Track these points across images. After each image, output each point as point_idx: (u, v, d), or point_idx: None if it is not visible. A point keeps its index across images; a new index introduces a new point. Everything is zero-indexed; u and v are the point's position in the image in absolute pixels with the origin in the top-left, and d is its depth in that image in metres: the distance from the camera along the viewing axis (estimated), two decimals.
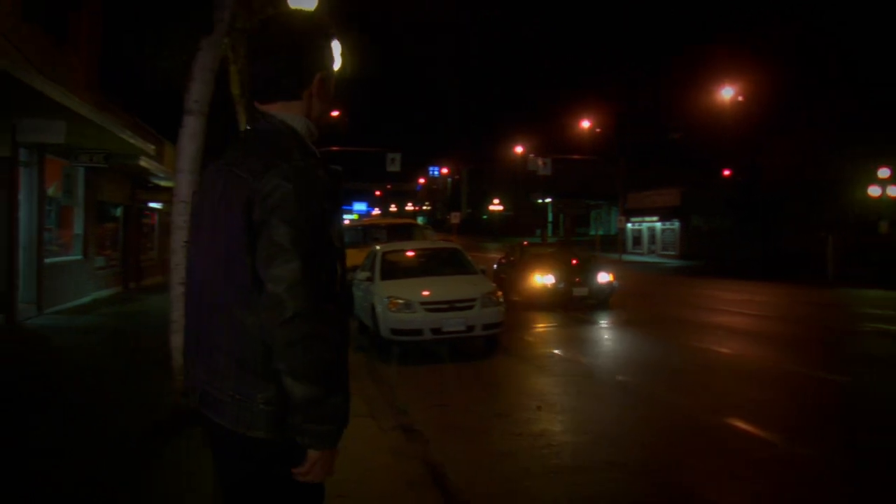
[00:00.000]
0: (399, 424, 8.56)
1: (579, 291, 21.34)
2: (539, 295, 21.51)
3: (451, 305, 13.43)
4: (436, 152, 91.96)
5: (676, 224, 53.84)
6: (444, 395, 10.74)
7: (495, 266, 26.62)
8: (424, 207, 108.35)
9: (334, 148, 45.75)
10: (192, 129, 8.34)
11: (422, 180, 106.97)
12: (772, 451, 7.64)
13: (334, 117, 44.33)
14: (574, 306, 20.82)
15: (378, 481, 6.44)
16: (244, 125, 17.24)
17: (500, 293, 14.08)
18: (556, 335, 16.76)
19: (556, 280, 21.47)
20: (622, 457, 7.46)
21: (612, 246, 55.45)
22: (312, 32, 2.77)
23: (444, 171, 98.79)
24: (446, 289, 13.84)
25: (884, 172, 33.27)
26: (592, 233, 72.07)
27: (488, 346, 13.89)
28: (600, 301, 21.54)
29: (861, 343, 15.55)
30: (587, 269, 22.42)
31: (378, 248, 16.08)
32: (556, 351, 14.35)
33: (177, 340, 8.31)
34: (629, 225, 57.46)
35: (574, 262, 23.34)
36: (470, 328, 13.35)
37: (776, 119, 42.36)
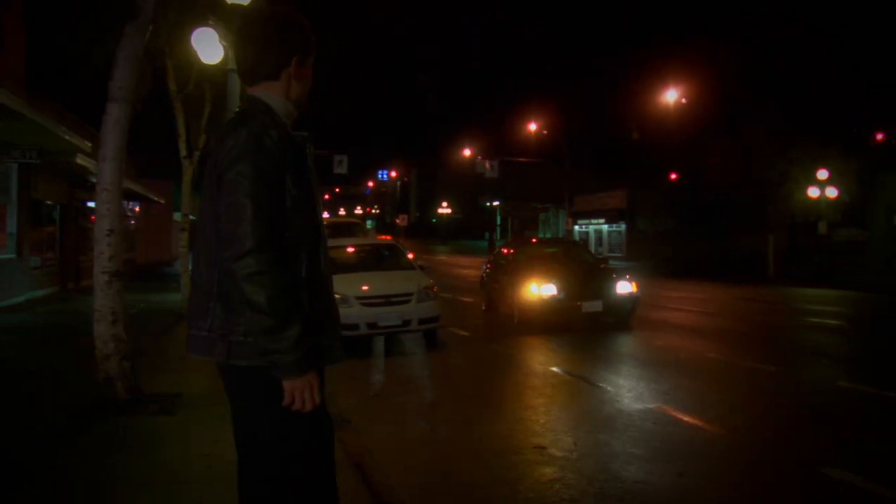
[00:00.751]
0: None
1: (591, 306, 15.79)
2: (536, 310, 16.00)
3: (388, 300, 13.43)
4: (385, 155, 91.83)
5: (623, 226, 54.28)
6: (377, 386, 10.76)
7: (483, 273, 20.96)
8: (373, 211, 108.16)
9: None
10: (115, 117, 8.27)
11: (371, 183, 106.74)
12: (692, 433, 7.83)
13: None
14: (585, 325, 15.82)
15: None
16: (182, 120, 17.25)
17: (436, 288, 14.11)
18: (494, 330, 16.82)
19: (559, 290, 15.95)
20: (547, 441, 7.58)
21: None
22: (287, 19, 3.14)
23: (394, 174, 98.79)
24: (383, 284, 13.84)
25: (822, 174, 33.86)
26: (541, 235, 72.42)
27: (425, 340, 13.93)
28: (620, 319, 16.12)
29: (791, 336, 15.92)
30: (601, 277, 16.86)
31: None
32: (493, 346, 14.41)
33: (100, 329, 8.24)
34: (577, 227, 57.82)
35: (584, 267, 17.98)
36: (406, 323, 13.36)
37: (720, 121, 42.99)
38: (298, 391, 2.88)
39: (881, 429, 8.10)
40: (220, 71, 13.63)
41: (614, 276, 16.94)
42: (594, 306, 15.81)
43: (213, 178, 2.95)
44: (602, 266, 18.37)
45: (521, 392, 10.21)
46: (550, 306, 15.83)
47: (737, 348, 13.41)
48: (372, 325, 13.30)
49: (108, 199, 8.24)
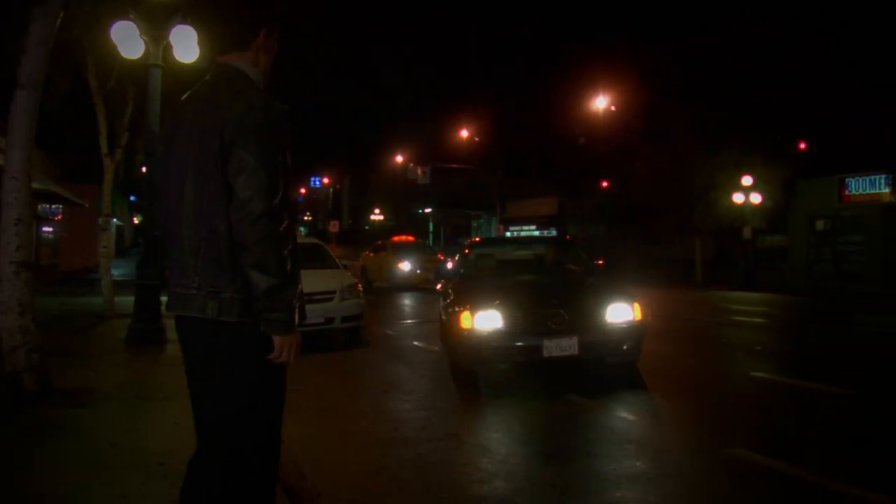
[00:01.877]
0: None
1: (558, 347, 9.36)
2: (467, 353, 9.96)
3: (310, 298, 13.34)
4: (318, 162, 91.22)
5: (554, 233, 54.77)
6: (297, 381, 10.61)
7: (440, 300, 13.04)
8: (306, 218, 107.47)
9: None
10: (23, 104, 8.13)
11: (303, 190, 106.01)
12: (594, 414, 8.05)
13: None
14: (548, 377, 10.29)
15: None
16: (103, 117, 16.93)
17: (359, 286, 14.07)
18: (419, 329, 16.83)
19: (507, 322, 9.63)
20: (457, 429, 7.72)
21: None
22: None
23: (326, 181, 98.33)
24: (306, 281, 13.55)
25: (747, 180, 34.50)
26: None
27: (348, 338, 13.86)
28: (616, 359, 10.27)
29: (711, 332, 16.28)
30: (584, 297, 10.18)
31: None
32: (416, 343, 14.42)
33: (6, 321, 8.07)
34: (508, 233, 58.16)
35: (560, 281, 11.55)
36: (329, 320, 13.31)
37: (648, 129, 43.59)
38: (287, 347, 3.23)
39: (785, 412, 8.43)
40: (141, 67, 13.43)
41: (606, 294, 10.17)
42: (564, 347, 9.39)
43: (208, 139, 3.10)
44: (589, 281, 11.22)
45: (441, 386, 10.22)
46: (490, 346, 9.62)
47: (662, 344, 13.62)
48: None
49: (15, 188, 8.08)
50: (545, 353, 9.38)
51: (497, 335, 9.54)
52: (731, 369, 11.51)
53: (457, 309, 10.03)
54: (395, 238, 34.48)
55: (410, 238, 35.75)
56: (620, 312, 9.75)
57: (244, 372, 3.26)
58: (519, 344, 9.50)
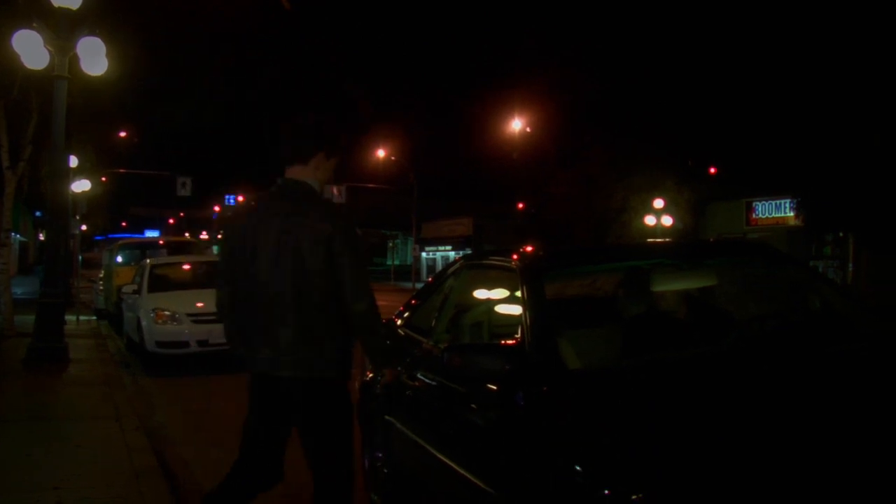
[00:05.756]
0: (143, 426, 8.21)
1: None
2: None
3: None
4: (233, 179, 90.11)
5: (469, 252, 55.01)
6: (201, 402, 10.44)
7: None
8: (219, 236, 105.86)
9: (121, 170, 43.95)
10: None
11: (217, 208, 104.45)
12: None
13: (121, 137, 42.74)
14: None
15: (104, 472, 6.19)
16: (4, 128, 16.36)
17: None
18: None
19: None
20: None
21: (408, 276, 55.93)
22: (324, 123, 4.21)
23: (241, 198, 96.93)
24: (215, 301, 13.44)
25: (659, 203, 35.16)
26: (389, 263, 72.52)
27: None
28: None
29: None
30: None
31: (147, 261, 15.55)
32: None
33: None
34: (424, 254, 58.23)
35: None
36: None
37: (563, 151, 44.07)
38: (391, 376, 4.61)
39: None
40: (46, 78, 13.00)
41: None
42: None
43: (321, 240, 3.82)
44: None
45: None
46: None
47: None
48: (203, 343, 12.93)
49: None
50: None
51: None
52: None
53: None
54: None
55: None
56: None
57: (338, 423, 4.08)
58: None
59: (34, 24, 12.14)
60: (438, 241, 58.19)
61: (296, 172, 4.07)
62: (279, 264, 3.86)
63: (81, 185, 24.57)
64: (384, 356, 4.25)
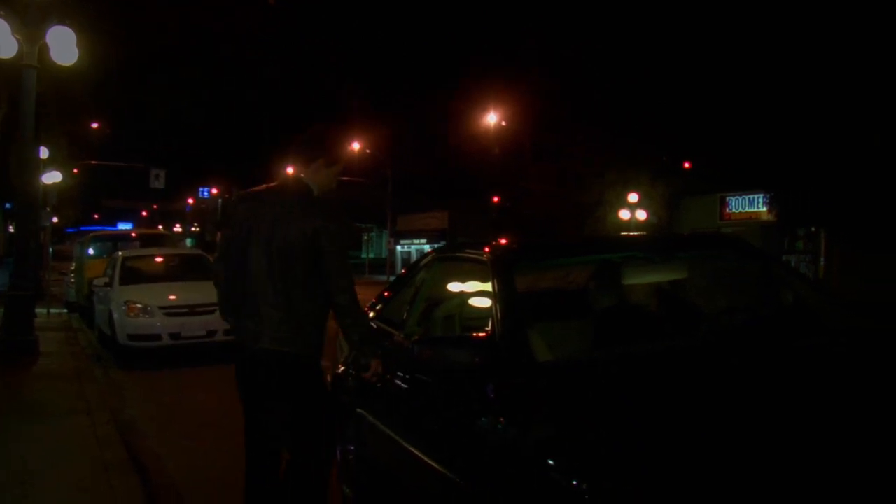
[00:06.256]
0: (115, 419, 8.15)
1: None
2: None
3: (192, 310, 13.02)
4: (207, 172, 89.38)
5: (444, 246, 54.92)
6: (174, 395, 10.37)
7: None
8: (193, 229, 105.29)
9: (93, 162, 43.60)
10: None
11: (191, 200, 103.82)
12: None
13: (94, 128, 42.37)
14: None
15: (74, 466, 6.15)
16: None
17: None
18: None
19: None
20: None
21: (383, 269, 55.87)
22: (329, 133, 4.67)
23: (215, 191, 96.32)
24: (187, 293, 13.38)
25: (633, 197, 35.31)
26: (364, 256, 72.41)
27: (230, 351, 13.43)
28: None
29: None
30: None
31: (119, 253, 15.42)
32: None
33: None
34: (399, 247, 58.18)
35: None
36: (211, 333, 12.94)
37: (539, 145, 44.15)
38: (378, 366, 4.41)
39: None
40: (15, 67, 12.87)
41: None
42: None
43: (307, 232, 4.16)
44: None
45: None
46: None
47: None
48: (175, 336, 12.86)
49: None
50: None
51: None
52: None
53: None
54: None
55: None
56: None
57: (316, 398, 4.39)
58: None
59: (1, 13, 11.99)
60: (413, 234, 58.14)
61: (297, 172, 4.45)
62: (269, 251, 4.19)
63: (52, 177, 24.38)
64: (370, 346, 4.40)
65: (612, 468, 2.69)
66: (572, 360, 3.95)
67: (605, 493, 2.60)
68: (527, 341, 3.76)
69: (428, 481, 3.96)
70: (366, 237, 74.98)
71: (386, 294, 5.78)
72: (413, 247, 59.32)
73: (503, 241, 4.74)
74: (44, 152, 19.77)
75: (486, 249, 4.41)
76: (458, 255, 5.09)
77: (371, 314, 5.58)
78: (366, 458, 5.08)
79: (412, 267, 5.61)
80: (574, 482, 2.69)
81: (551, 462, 2.87)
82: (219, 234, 65.97)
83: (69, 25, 12.43)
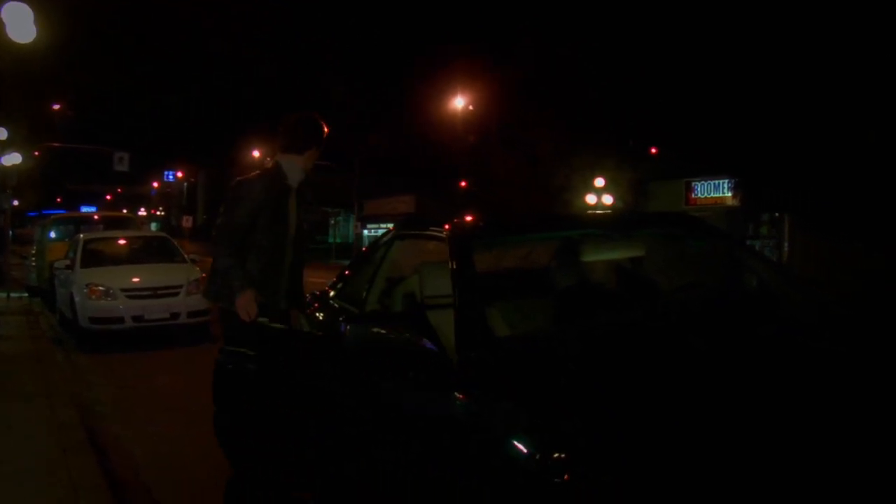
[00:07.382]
0: (75, 403, 8.07)
1: None
2: None
3: (155, 293, 12.90)
4: (172, 155, 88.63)
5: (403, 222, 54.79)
6: (136, 379, 10.27)
7: None
8: (158, 213, 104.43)
9: (55, 144, 43.06)
10: None
11: (156, 184, 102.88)
12: None
13: (55, 110, 41.83)
14: None
15: (33, 450, 6.09)
16: None
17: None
18: None
19: None
20: None
21: (350, 253, 55.72)
22: (313, 123, 5.26)
23: (180, 174, 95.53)
24: (150, 276, 13.26)
25: (599, 182, 35.39)
26: (330, 240, 72.14)
27: (194, 334, 13.31)
28: None
29: None
30: None
31: (81, 236, 15.24)
32: None
33: None
34: (366, 231, 58.03)
35: None
36: (175, 315, 12.86)
37: (506, 130, 44.13)
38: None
39: None
40: None
41: None
42: None
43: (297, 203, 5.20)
44: None
45: None
46: None
47: None
48: (138, 318, 12.74)
49: None
50: None
51: None
52: None
53: None
54: None
55: None
56: None
57: None
58: None
59: None
60: (380, 218, 57.98)
61: (288, 158, 5.10)
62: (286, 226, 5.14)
63: (11, 159, 24.02)
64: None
65: (571, 440, 2.66)
66: (530, 335, 3.88)
67: (555, 461, 2.59)
68: (484, 317, 3.65)
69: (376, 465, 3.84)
70: (333, 221, 74.66)
71: (347, 273, 5.72)
72: (380, 231, 59.06)
73: (467, 218, 4.72)
74: (2, 133, 19.47)
75: (447, 227, 4.30)
76: (418, 232, 5.03)
77: (331, 293, 5.53)
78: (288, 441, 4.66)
79: (373, 245, 5.55)
80: (536, 455, 2.68)
81: (513, 437, 2.84)
82: (184, 218, 65.49)
83: (25, 1, 12.22)
